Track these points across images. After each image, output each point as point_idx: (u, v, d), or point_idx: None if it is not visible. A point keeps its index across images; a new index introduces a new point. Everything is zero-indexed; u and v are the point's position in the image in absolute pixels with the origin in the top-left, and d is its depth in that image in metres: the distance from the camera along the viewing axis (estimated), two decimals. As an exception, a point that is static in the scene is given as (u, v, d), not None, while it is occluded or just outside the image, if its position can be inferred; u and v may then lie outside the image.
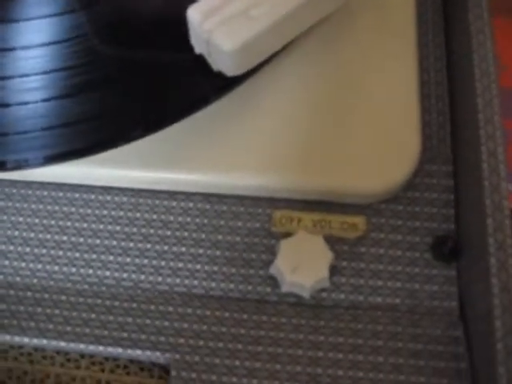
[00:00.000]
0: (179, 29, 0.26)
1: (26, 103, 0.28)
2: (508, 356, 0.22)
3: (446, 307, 0.26)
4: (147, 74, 0.27)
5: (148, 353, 0.25)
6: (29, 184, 0.29)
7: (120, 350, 0.25)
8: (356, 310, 0.26)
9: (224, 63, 0.24)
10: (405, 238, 0.27)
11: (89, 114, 0.27)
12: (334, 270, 0.27)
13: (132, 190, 0.29)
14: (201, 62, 0.25)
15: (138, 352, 0.25)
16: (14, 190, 0.29)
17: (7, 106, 0.28)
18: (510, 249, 0.23)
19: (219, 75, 0.25)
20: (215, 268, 0.27)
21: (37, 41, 0.29)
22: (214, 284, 0.27)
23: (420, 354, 0.25)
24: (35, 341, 0.26)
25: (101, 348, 0.25)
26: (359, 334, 0.25)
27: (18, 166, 0.27)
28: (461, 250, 0.27)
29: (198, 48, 0.25)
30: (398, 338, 0.25)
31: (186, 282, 0.27)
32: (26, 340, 0.26)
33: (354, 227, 0.27)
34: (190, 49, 0.26)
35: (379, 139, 0.28)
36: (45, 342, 0.26)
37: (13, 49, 0.30)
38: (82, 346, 0.25)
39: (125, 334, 0.26)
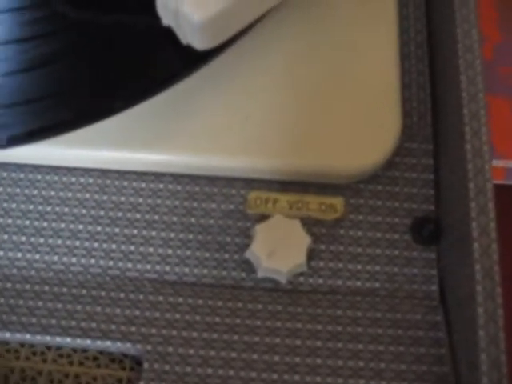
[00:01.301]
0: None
1: None
2: (490, 343, 0.21)
3: (426, 291, 0.25)
4: (113, 45, 0.25)
5: (118, 344, 0.24)
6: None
7: (89, 342, 0.24)
8: (335, 295, 0.25)
9: (194, 36, 0.22)
10: (384, 219, 0.26)
11: (50, 91, 0.25)
12: (311, 254, 0.26)
13: (98, 170, 0.27)
14: (169, 33, 0.24)
15: (108, 343, 0.24)
16: None
17: None
18: (493, 233, 0.23)
19: (189, 49, 0.23)
20: (188, 253, 0.26)
21: None
22: (186, 269, 0.25)
23: (400, 341, 0.24)
24: None
25: (68, 339, 0.24)
26: (338, 321, 0.24)
27: None
28: (441, 232, 0.26)
29: (166, 19, 0.23)
30: (378, 324, 0.25)
31: (157, 267, 0.26)
32: None
33: (332, 208, 0.26)
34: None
35: (358, 117, 0.27)
36: (8, 334, 0.24)
37: None
38: (48, 338, 0.24)
39: (94, 325, 0.24)
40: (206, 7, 0.21)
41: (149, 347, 0.24)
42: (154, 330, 0.24)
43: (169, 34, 0.24)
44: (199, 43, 0.22)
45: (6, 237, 0.26)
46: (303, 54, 0.27)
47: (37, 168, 0.27)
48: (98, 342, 0.24)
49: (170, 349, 0.24)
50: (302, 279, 0.25)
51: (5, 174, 0.27)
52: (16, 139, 0.25)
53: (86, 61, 0.25)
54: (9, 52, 0.26)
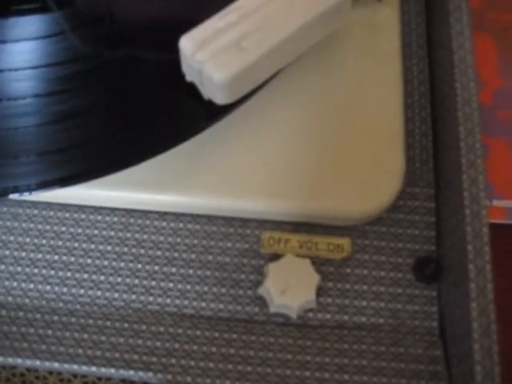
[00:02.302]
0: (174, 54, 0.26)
1: (15, 128, 0.28)
2: (486, 377, 0.23)
3: (427, 327, 0.27)
4: (138, 99, 0.28)
5: (141, 373, 0.26)
6: (19, 203, 0.30)
7: (113, 371, 0.26)
8: (341, 330, 0.27)
9: (215, 93, 0.25)
10: (388, 259, 0.28)
11: (80, 140, 0.27)
12: (320, 291, 0.27)
13: (123, 210, 0.29)
14: (192, 88, 0.26)
15: (131, 372, 0.26)
16: (5, 209, 0.30)
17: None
18: (489, 274, 0.25)
19: (211, 102, 0.26)
20: (205, 288, 0.28)
21: (26, 63, 0.29)
22: (203, 304, 0.27)
23: (402, 373, 0.26)
24: (28, 362, 0.26)
25: (94, 368, 0.26)
26: (345, 354, 0.26)
27: (6, 192, 0.27)
28: (442, 272, 0.28)
29: (190, 76, 0.25)
30: (382, 357, 0.26)
31: (177, 302, 0.27)
32: (18, 361, 0.26)
33: (340, 248, 0.28)
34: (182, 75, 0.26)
35: (365, 163, 0.29)
36: (38, 362, 0.26)
37: (0, 70, 0.30)
38: (75, 367, 0.26)
39: (117, 355, 0.26)
40: (226, 68, 0.24)
41: (169, 376, 0.26)
42: (173, 361, 0.26)
43: (191, 88, 0.26)
44: (220, 99, 0.25)
45: (36, 270, 0.28)
46: (313, 105, 0.29)
47: (65, 207, 0.30)
48: (122, 371, 0.26)
49: (189, 378, 0.26)
50: (311, 315, 0.27)
51: (36, 212, 0.29)
52: (45, 185, 0.27)
53: (111, 114, 0.28)
54: (40, 105, 0.28)
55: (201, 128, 0.26)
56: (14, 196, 0.28)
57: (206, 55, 0.24)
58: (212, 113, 0.26)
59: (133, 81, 0.27)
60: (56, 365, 0.26)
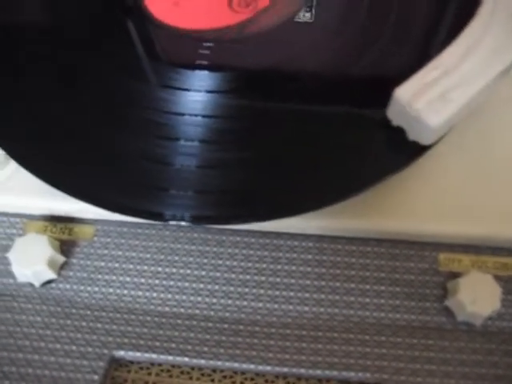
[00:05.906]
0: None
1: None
2: None
3: None
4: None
5: (360, 374, 0.30)
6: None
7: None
8: (518, 336, 0.32)
9: (425, 135, 0.30)
10: (547, 274, 0.33)
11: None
12: (494, 302, 0.32)
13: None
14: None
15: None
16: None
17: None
18: None
19: (410, 144, 0.31)
20: (397, 302, 0.32)
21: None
22: (398, 315, 0.32)
23: None
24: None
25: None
26: None
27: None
28: None
29: (397, 121, 0.30)
30: None
31: (375, 314, 0.32)
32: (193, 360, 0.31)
33: (505, 267, 0.33)
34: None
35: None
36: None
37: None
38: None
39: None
40: (439, 115, 0.29)
41: (385, 376, 0.30)
42: (385, 363, 0.30)
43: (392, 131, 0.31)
44: (427, 140, 0.30)
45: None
46: (480, 150, 0.35)
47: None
48: (338, 372, 0.30)
49: (403, 377, 0.30)
50: (490, 322, 0.32)
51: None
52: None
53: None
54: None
55: (405, 166, 0.31)
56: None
57: (422, 105, 0.29)
58: (412, 152, 0.31)
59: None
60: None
